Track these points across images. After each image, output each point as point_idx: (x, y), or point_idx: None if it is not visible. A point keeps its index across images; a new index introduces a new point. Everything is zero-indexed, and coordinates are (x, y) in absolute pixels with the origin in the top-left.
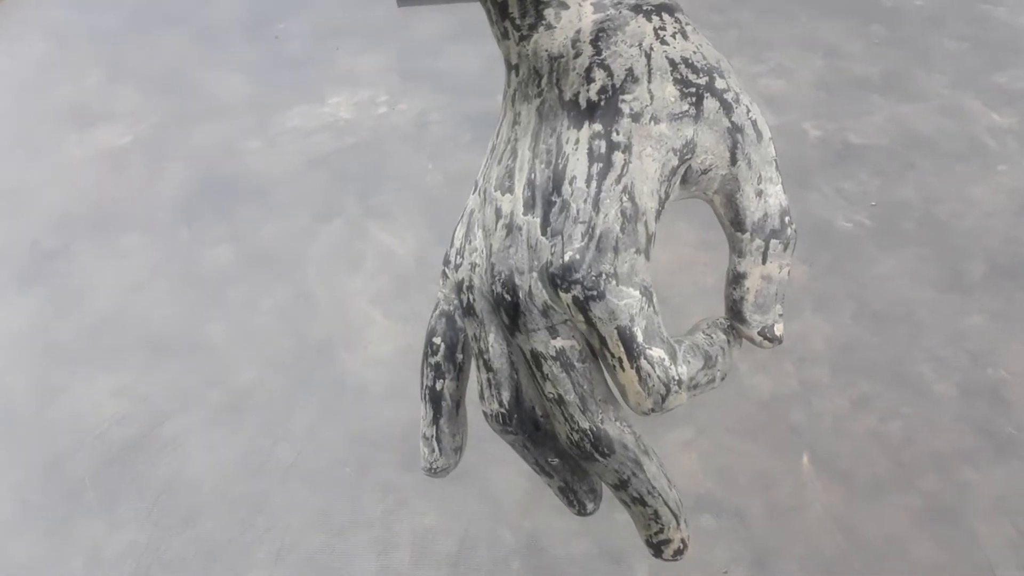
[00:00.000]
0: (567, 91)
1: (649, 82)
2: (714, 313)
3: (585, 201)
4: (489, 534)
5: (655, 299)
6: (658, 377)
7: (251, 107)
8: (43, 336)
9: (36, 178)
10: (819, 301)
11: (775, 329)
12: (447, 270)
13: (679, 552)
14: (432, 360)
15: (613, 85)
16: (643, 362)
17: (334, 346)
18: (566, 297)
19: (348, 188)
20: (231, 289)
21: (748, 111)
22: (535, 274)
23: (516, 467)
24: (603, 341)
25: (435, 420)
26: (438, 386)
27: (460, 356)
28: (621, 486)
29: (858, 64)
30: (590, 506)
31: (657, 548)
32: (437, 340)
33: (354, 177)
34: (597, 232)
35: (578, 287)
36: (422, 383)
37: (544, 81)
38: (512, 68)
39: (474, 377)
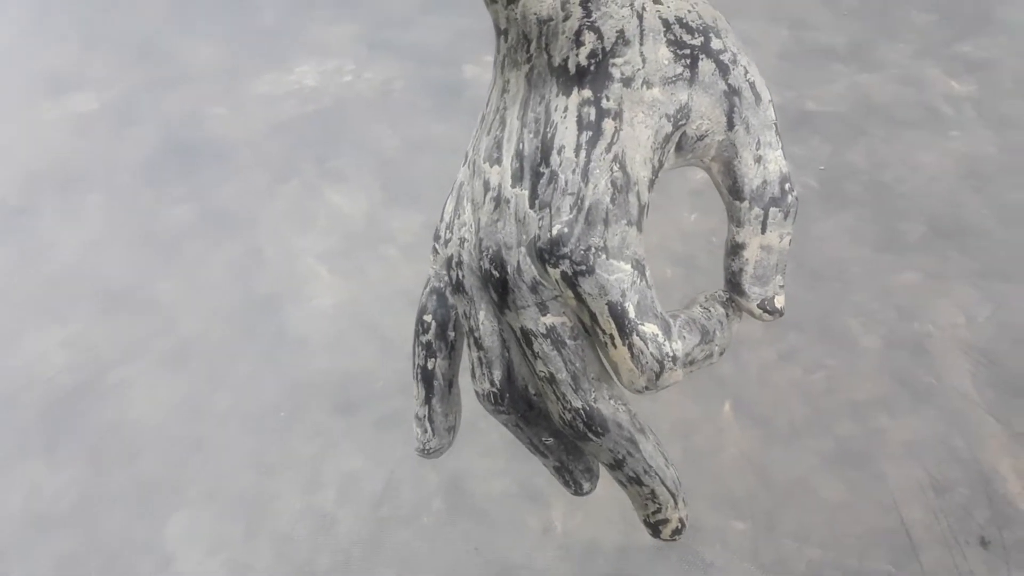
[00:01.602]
0: (556, 56)
1: (641, 44)
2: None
3: (574, 172)
4: (413, 475)
5: (648, 272)
6: (651, 354)
7: (221, 74)
8: (1, 289)
9: (4, 141)
10: None
11: (775, 301)
12: (437, 245)
13: (677, 532)
14: (423, 339)
15: (603, 48)
16: (635, 339)
17: (279, 300)
18: (554, 272)
19: (307, 152)
20: (185, 247)
21: (746, 72)
22: (523, 249)
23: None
24: (594, 317)
25: (427, 400)
26: (430, 365)
27: (452, 334)
28: (616, 466)
29: (824, 34)
30: (586, 486)
31: (655, 528)
32: (428, 318)
33: (314, 141)
34: (586, 204)
35: (566, 262)
36: (413, 362)
37: (533, 46)
38: (501, 33)
39: (466, 356)
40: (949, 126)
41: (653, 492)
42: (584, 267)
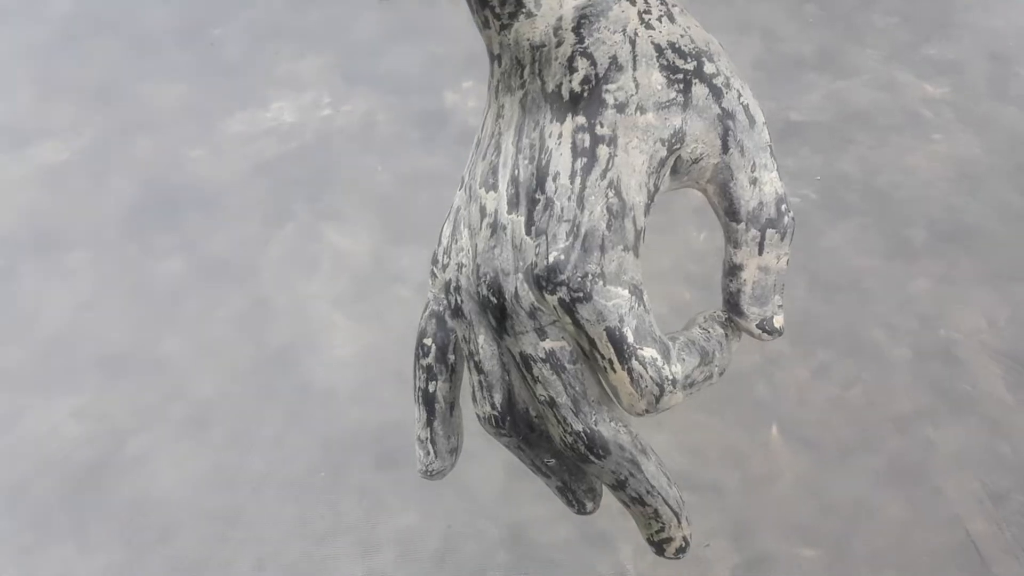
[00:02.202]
0: (550, 82)
1: (634, 70)
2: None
3: (569, 198)
4: (472, 528)
5: (646, 297)
6: (651, 378)
7: (192, 115)
8: None
9: None
10: None
11: (774, 321)
12: (435, 269)
13: (681, 550)
14: (424, 362)
15: (596, 75)
16: (635, 363)
17: (296, 351)
18: (552, 299)
19: (297, 192)
20: (184, 301)
21: (739, 95)
22: (520, 275)
23: (492, 460)
24: (592, 343)
25: (429, 422)
26: (431, 388)
27: (452, 357)
28: (619, 486)
29: (793, 44)
30: (589, 505)
31: (659, 547)
32: (428, 341)
33: (302, 181)
34: (582, 231)
35: (564, 289)
36: (415, 385)
37: (526, 72)
38: (495, 58)
39: (467, 379)
40: (931, 129)
41: (656, 512)
42: (581, 294)
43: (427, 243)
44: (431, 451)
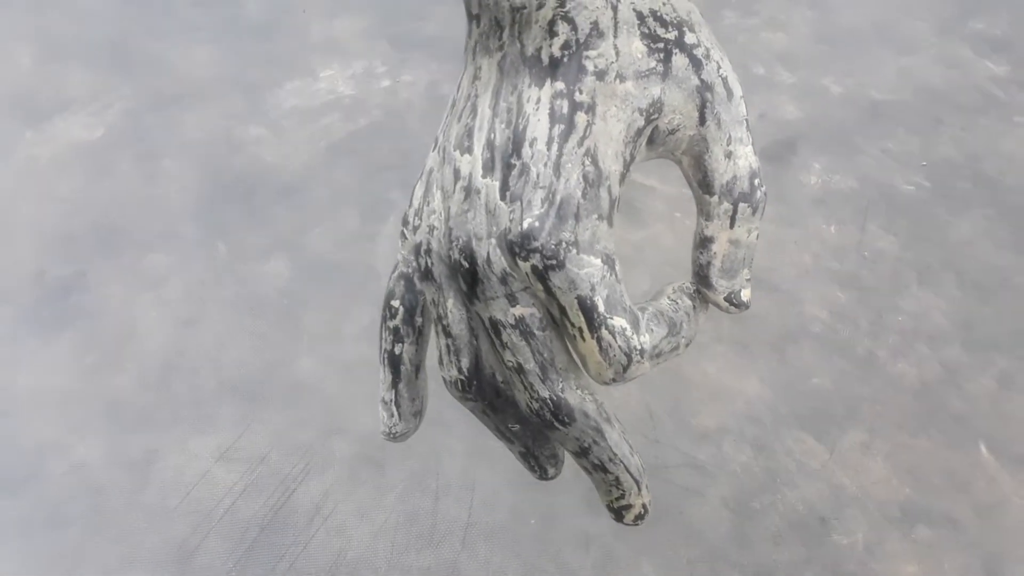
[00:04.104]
0: (529, 45)
1: (615, 37)
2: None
3: (545, 165)
4: (715, 574)
5: (618, 267)
6: (619, 347)
7: (233, 85)
8: (97, 394)
9: (0, 189)
10: (920, 274)
11: (742, 295)
12: (405, 231)
13: (640, 517)
14: (390, 323)
15: (577, 40)
16: (604, 332)
17: None
18: (525, 266)
19: (387, 179)
20: (302, 314)
21: (719, 67)
22: (493, 240)
23: (713, 498)
24: (563, 311)
25: (394, 384)
26: (397, 350)
27: (419, 319)
28: (582, 453)
29: (844, 14)
30: (551, 471)
31: (618, 513)
32: (395, 303)
33: (387, 165)
34: (557, 198)
35: (537, 256)
36: (380, 347)
37: (505, 34)
38: (473, 18)
39: (433, 342)
40: (1010, 111)
41: (618, 479)
42: (555, 261)
43: None
44: (395, 413)
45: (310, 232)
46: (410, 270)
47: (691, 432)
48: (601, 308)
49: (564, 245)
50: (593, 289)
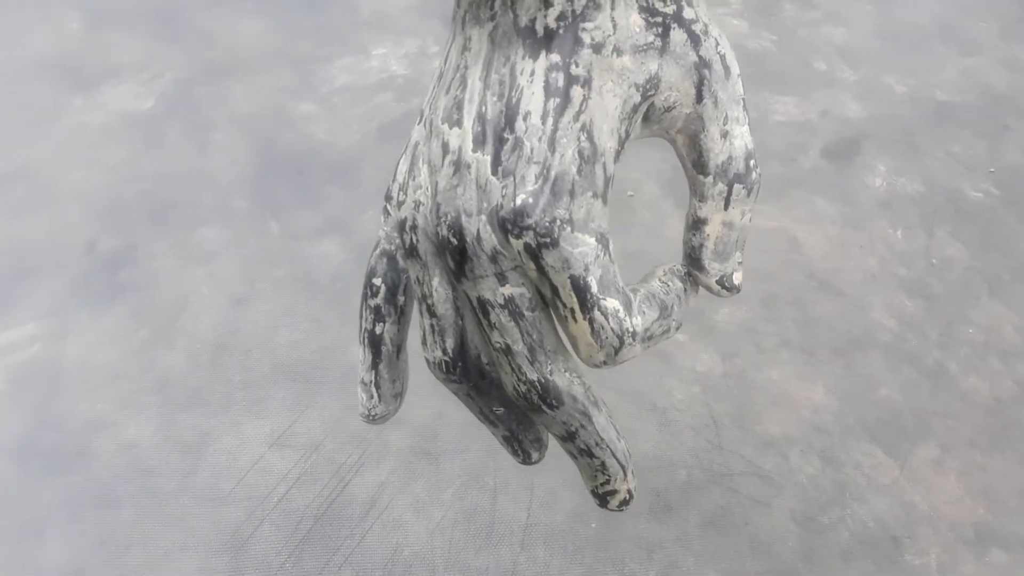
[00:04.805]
0: (523, 15)
1: (612, 9)
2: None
3: (540, 139)
4: None
5: (611, 246)
6: (612, 329)
7: (284, 59)
8: (149, 371)
9: (49, 155)
10: (991, 285)
11: (734, 278)
12: (389, 207)
13: (625, 503)
14: (372, 302)
15: (573, 11)
16: (596, 313)
17: None
18: (517, 243)
19: None
20: (356, 298)
21: (717, 44)
22: (484, 217)
23: (780, 510)
24: (555, 290)
25: (374, 365)
26: (378, 330)
27: (402, 298)
28: (568, 438)
29: (906, 10)
30: (535, 455)
31: (603, 498)
32: (377, 281)
33: None
34: (552, 174)
35: (530, 233)
36: (360, 326)
37: (497, 3)
38: None
39: (415, 321)
40: None
41: (603, 464)
42: (548, 239)
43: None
44: (375, 395)
45: (362, 214)
46: (393, 247)
47: (756, 439)
48: (594, 288)
49: (558, 223)
50: (587, 269)
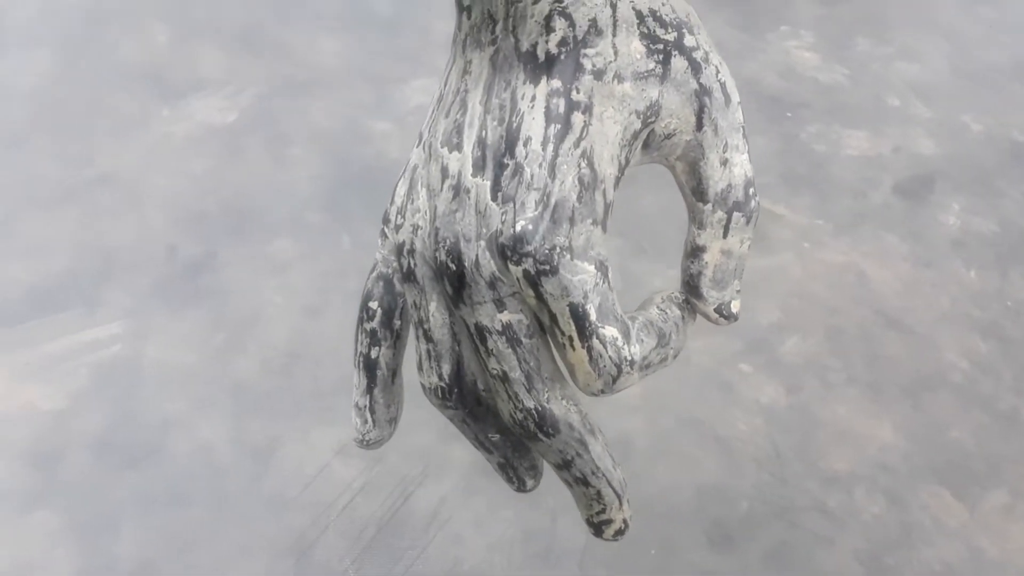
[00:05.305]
0: (524, 40)
1: (614, 36)
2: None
3: (540, 165)
4: None
5: (611, 274)
6: (610, 358)
7: (362, 77)
8: (223, 375)
9: (136, 162)
10: None
11: (732, 306)
12: (387, 229)
13: (620, 532)
14: (367, 326)
15: (575, 37)
16: (595, 341)
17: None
18: (516, 270)
19: None
20: None
21: (717, 72)
22: (483, 243)
23: (844, 548)
24: (554, 318)
25: (369, 389)
26: (373, 354)
27: (398, 322)
28: (564, 466)
29: (984, 49)
30: (530, 483)
31: (598, 528)
32: (373, 305)
33: None
34: (552, 201)
35: (530, 260)
36: (356, 349)
37: (499, 27)
38: (463, 9)
39: (411, 347)
40: None
41: (599, 493)
42: (548, 267)
43: (672, 260)
44: (369, 420)
45: None
46: (390, 271)
47: (820, 475)
48: (593, 316)
49: (558, 250)
50: (586, 296)
